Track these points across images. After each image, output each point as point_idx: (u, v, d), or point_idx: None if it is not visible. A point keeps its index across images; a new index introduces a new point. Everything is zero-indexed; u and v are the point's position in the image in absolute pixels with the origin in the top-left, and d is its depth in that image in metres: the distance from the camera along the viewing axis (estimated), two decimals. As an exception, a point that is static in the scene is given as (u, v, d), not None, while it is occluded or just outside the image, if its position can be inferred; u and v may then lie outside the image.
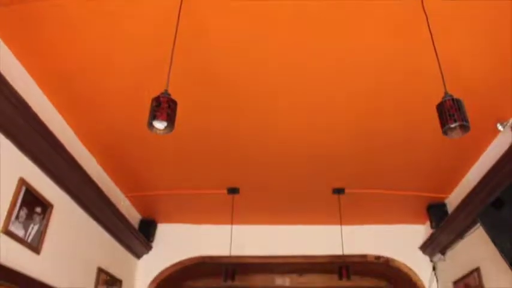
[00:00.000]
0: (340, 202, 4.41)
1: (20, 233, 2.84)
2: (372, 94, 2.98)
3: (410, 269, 4.97)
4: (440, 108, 1.75)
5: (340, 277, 4.22)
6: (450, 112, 1.69)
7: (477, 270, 3.88)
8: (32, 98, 2.81)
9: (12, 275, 2.76)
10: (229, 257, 4.44)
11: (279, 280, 5.60)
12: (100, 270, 4.13)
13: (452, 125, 1.69)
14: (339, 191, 4.28)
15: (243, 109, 3.16)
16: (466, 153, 3.69)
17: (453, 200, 4.29)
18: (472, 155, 3.72)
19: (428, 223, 4.81)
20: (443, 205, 4.53)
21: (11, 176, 2.78)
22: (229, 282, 4.28)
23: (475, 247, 3.98)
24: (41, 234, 3.09)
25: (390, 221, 5.10)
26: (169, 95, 1.79)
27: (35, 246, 3.02)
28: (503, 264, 3.22)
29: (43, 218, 3.11)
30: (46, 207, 3.14)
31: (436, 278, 4.85)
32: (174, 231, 5.27)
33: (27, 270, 2.91)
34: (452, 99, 1.73)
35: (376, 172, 4.04)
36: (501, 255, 3.19)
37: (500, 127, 3.18)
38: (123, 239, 4.59)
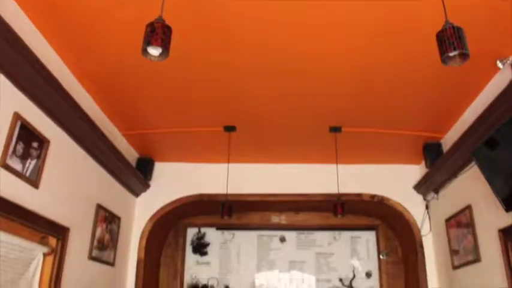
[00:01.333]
0: (336, 141, 4.43)
1: (18, 167, 2.86)
2: (370, 26, 2.89)
3: (404, 208, 5.07)
4: (440, 36, 1.72)
5: (335, 213, 4.30)
6: (450, 40, 1.66)
7: (469, 207, 3.96)
8: (25, 33, 2.74)
9: (12, 207, 2.80)
10: (226, 195, 4.50)
11: (275, 218, 5.72)
12: (99, 207, 4.20)
13: (452, 54, 1.66)
14: (335, 129, 4.28)
15: (242, 41, 3.08)
16: (464, 91, 3.66)
17: (449, 140, 4.30)
18: (469, 93, 3.70)
19: (423, 163, 4.86)
20: (439, 145, 4.55)
21: (6, 110, 2.76)
22: (226, 219, 4.36)
23: (467, 186, 4.04)
24: (38, 169, 3.11)
25: (386, 161, 5.15)
26: (163, 20, 1.74)
27: (34, 181, 3.06)
28: (494, 201, 3.27)
29: (40, 154, 3.12)
30: (42, 142, 3.15)
31: (429, 216, 4.96)
32: (172, 170, 5.31)
33: (26, 204, 2.96)
34: (453, 27, 1.70)
35: (373, 111, 4.03)
36: (494, 192, 3.23)
37: (499, 64, 3.14)
38: (121, 176, 4.63)
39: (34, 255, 3.20)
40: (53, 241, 3.41)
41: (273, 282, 5.61)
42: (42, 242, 3.31)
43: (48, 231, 3.31)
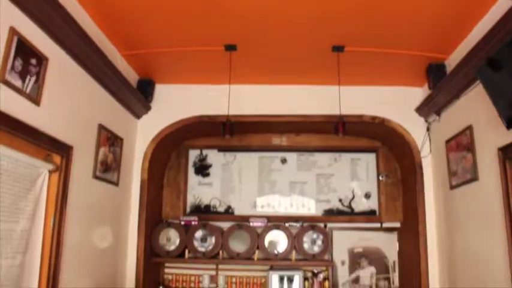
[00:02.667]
0: (339, 61, 4.36)
1: (17, 83, 2.84)
2: None
3: (405, 130, 5.08)
4: None
5: (337, 133, 4.31)
6: None
7: (469, 127, 3.97)
8: None
9: (14, 123, 2.82)
10: (227, 115, 4.50)
11: (276, 140, 5.76)
12: (101, 127, 4.21)
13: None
14: (338, 48, 4.20)
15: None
16: (471, 9, 3.56)
17: (453, 61, 4.23)
18: (477, 11, 3.59)
19: (425, 86, 4.82)
20: (443, 66, 4.49)
21: (2, 25, 2.70)
22: (227, 138, 4.39)
23: (469, 107, 4.03)
24: (38, 87, 3.09)
25: (388, 83, 5.10)
26: None
27: (34, 98, 3.05)
28: (496, 121, 3.26)
29: (39, 71, 3.09)
30: (41, 59, 3.10)
31: (429, 138, 4.99)
32: (172, 92, 5.29)
33: (28, 120, 2.97)
34: None
35: (377, 30, 3.93)
36: (497, 110, 3.21)
37: (510, -20, 3.02)
38: (122, 97, 4.62)
39: (39, 172, 3.26)
40: (57, 159, 3.46)
41: (274, 202, 5.75)
42: (47, 159, 3.36)
43: (52, 148, 3.36)
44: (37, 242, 3.25)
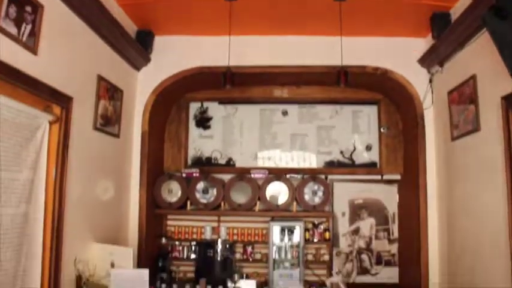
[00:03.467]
0: (341, 10, 4.25)
1: (13, 30, 2.79)
2: None
3: (407, 81, 5.03)
4: None
5: (338, 83, 4.26)
6: None
7: (473, 77, 3.92)
8: None
9: (12, 72, 2.79)
10: (228, 66, 4.44)
11: (278, 91, 5.72)
12: (100, 78, 4.17)
13: None
14: (341, -4, 4.11)
15: None
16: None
17: (458, 9, 4.13)
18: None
19: (429, 37, 4.73)
20: (448, 15, 4.38)
21: (-6, -30, 2.63)
22: (228, 88, 4.34)
23: (473, 56, 3.96)
24: (35, 36, 3.03)
25: (391, 33, 5.00)
26: None
27: (31, 47, 3.00)
28: (500, 69, 3.21)
29: (35, 19, 3.02)
30: (36, 7, 3.03)
31: (432, 89, 4.94)
32: (172, 43, 5.20)
33: (26, 69, 2.94)
34: None
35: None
36: (503, 61, 3.14)
37: None
38: (121, 49, 4.54)
39: (40, 122, 3.25)
40: (57, 110, 3.45)
41: (275, 154, 5.76)
42: (47, 110, 3.35)
43: (52, 99, 3.34)
44: (40, 192, 3.28)
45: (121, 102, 4.69)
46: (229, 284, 3.86)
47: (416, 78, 5.02)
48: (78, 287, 3.74)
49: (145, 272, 3.76)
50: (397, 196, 5.64)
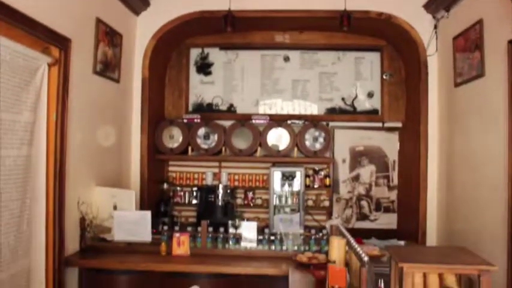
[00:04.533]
0: (346, -50, 4.13)
1: (8, -34, 2.71)
2: None
3: (411, 27, 4.92)
4: None
5: (341, 26, 4.18)
6: None
7: (479, 22, 3.83)
8: None
9: (8, 10, 2.74)
10: (229, 9, 4.34)
11: (279, 37, 5.61)
12: (98, 21, 4.09)
13: None
14: None
15: None
16: None
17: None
18: None
19: (435, -20, 4.61)
20: (456, -44, 4.26)
21: None
22: (229, 30, 4.26)
23: (480, 1, 3.88)
24: (31, -27, 2.96)
25: (396, -23, 4.87)
26: None
27: (27, -15, 2.93)
28: (508, 15, 3.15)
29: (31, -44, 2.94)
30: None
31: (436, 35, 4.85)
32: (172, -14, 5.07)
33: (22, 9, 2.88)
34: None
35: None
36: None
37: None
38: (119, -9, 4.45)
39: (39, 64, 3.22)
40: (55, 52, 3.41)
41: (277, 100, 5.73)
42: (46, 52, 3.31)
43: (50, 40, 3.29)
44: (41, 135, 3.29)
45: (120, 47, 4.62)
46: (231, 226, 3.92)
47: (421, 24, 4.91)
48: (82, 228, 3.81)
49: (147, 214, 3.84)
50: (398, 144, 5.64)
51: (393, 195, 5.65)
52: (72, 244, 3.70)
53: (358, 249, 2.39)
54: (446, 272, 1.81)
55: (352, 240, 2.63)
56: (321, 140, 5.22)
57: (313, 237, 3.87)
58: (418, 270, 1.78)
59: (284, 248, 3.84)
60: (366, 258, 2.22)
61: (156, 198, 5.26)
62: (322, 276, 2.79)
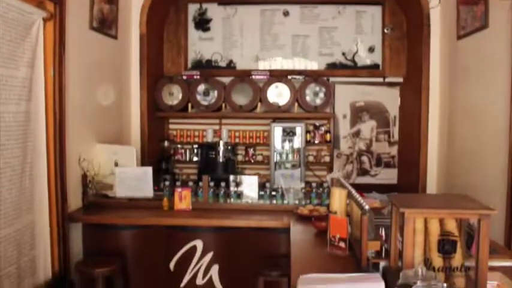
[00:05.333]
0: None
1: None
2: None
3: (414, -22, 4.82)
4: None
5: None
6: None
7: (484, -30, 3.74)
8: None
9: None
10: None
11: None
12: (93, -26, 4.00)
13: None
14: None
15: None
16: None
17: None
18: None
19: None
20: None
21: None
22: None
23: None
24: None
25: None
26: None
27: None
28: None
29: None
30: None
31: (439, -14, 4.75)
32: None
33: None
34: None
35: None
36: None
37: None
38: None
39: (33, 19, 3.16)
40: (50, 6, 3.35)
41: (277, 56, 5.66)
42: (40, 6, 3.25)
43: (44, -7, 3.22)
44: (39, 90, 3.27)
45: (117, 3, 4.54)
46: (232, 182, 3.93)
47: (424, -25, 4.81)
48: (84, 185, 3.83)
49: (149, 169, 3.85)
50: (399, 99, 5.61)
51: (394, 150, 5.66)
52: (74, 201, 3.73)
53: (359, 198, 2.41)
54: (447, 217, 1.82)
55: (353, 191, 2.64)
56: (322, 95, 5.18)
57: (314, 190, 3.89)
58: (419, 215, 1.79)
59: (285, 202, 3.87)
60: (366, 207, 2.24)
61: (157, 156, 5.27)
62: (324, 228, 2.82)
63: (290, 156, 5.24)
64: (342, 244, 2.41)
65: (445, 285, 1.51)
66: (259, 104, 5.21)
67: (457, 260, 1.86)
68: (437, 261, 1.86)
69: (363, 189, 4.40)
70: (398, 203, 1.83)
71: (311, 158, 5.52)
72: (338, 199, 2.68)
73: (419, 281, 1.54)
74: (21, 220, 3.07)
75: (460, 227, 1.89)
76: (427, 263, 1.86)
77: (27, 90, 3.10)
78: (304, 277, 1.93)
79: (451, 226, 1.85)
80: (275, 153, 5.24)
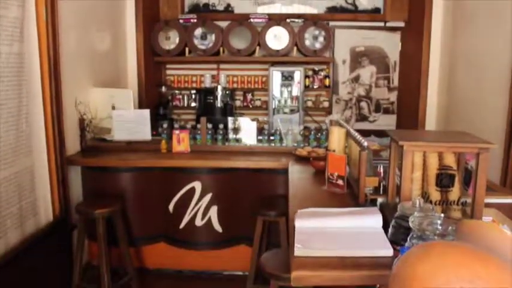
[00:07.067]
0: None
1: None
2: None
3: None
4: None
5: None
6: None
7: None
8: None
9: None
10: None
11: None
12: None
13: None
14: None
15: None
16: None
17: None
18: None
19: None
20: None
21: None
22: None
23: None
24: None
25: None
26: None
27: None
28: None
29: None
30: None
31: None
32: None
33: None
34: None
35: None
36: None
37: None
38: None
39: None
40: None
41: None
42: None
43: None
44: (32, 31, 3.17)
45: None
46: (231, 126, 3.91)
47: None
48: (82, 129, 3.81)
49: (146, 112, 3.82)
50: (400, 44, 5.51)
51: (393, 96, 5.62)
52: (72, 145, 3.72)
53: (358, 136, 2.40)
54: (446, 150, 1.81)
55: (351, 130, 2.63)
56: (321, 39, 5.09)
57: (312, 132, 3.89)
58: (418, 148, 1.78)
59: (284, 144, 3.87)
60: (365, 143, 2.23)
61: (154, 102, 5.23)
62: (322, 167, 2.82)
63: (289, 101, 5.20)
64: (340, 182, 2.42)
65: (442, 215, 1.51)
66: (257, 48, 5.12)
67: (454, 194, 1.87)
68: (435, 195, 1.87)
69: (361, 134, 4.41)
70: (398, 137, 1.82)
71: (310, 103, 5.48)
72: (337, 138, 2.67)
73: (416, 212, 1.55)
74: (19, 162, 3.06)
75: (458, 161, 1.89)
76: (425, 196, 1.87)
77: (19, 31, 3.02)
78: (302, 211, 1.95)
79: (450, 160, 1.84)
80: (273, 97, 5.19)
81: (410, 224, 1.48)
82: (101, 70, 4.31)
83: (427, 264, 0.82)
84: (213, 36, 5.09)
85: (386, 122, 5.63)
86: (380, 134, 5.02)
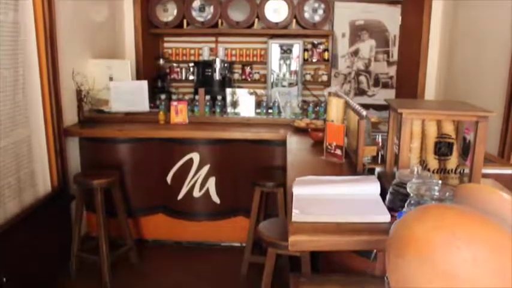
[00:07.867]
0: None
1: None
2: None
3: None
4: None
5: None
6: None
7: None
8: None
9: None
10: None
11: None
12: None
13: None
14: None
15: None
16: None
17: None
18: None
19: None
20: None
21: None
22: None
23: None
24: None
25: None
26: None
27: None
28: None
29: None
30: None
31: None
32: None
33: None
34: None
35: None
36: None
37: None
38: None
39: None
40: None
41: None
42: None
43: None
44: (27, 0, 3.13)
45: None
46: (228, 94, 3.89)
47: None
48: (79, 100, 3.79)
49: (144, 83, 3.80)
50: (400, 17, 5.45)
51: (392, 70, 5.59)
52: (70, 116, 3.69)
53: (357, 106, 2.39)
54: (445, 118, 1.80)
55: (350, 101, 2.62)
56: (321, 11, 5.04)
57: (311, 104, 3.88)
58: (417, 116, 1.77)
59: (282, 116, 3.86)
60: (364, 112, 2.22)
61: (152, 75, 5.20)
62: (320, 138, 2.82)
63: (287, 75, 5.17)
64: (338, 151, 2.42)
65: (439, 181, 1.51)
66: (256, 20, 5.07)
67: (452, 162, 1.87)
68: (433, 163, 1.87)
69: (360, 107, 4.40)
70: (397, 105, 1.81)
71: (308, 77, 5.45)
72: (335, 108, 2.66)
73: (414, 178, 1.55)
74: (17, 133, 3.05)
75: (457, 130, 1.89)
76: (423, 165, 1.87)
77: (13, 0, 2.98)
78: (300, 179, 1.95)
79: (449, 128, 1.84)
80: (272, 71, 5.16)
81: (408, 190, 1.48)
82: (98, 41, 4.26)
83: (424, 225, 0.82)
84: (212, 8, 5.03)
85: (385, 96, 5.59)
86: (379, 108, 5.03)
